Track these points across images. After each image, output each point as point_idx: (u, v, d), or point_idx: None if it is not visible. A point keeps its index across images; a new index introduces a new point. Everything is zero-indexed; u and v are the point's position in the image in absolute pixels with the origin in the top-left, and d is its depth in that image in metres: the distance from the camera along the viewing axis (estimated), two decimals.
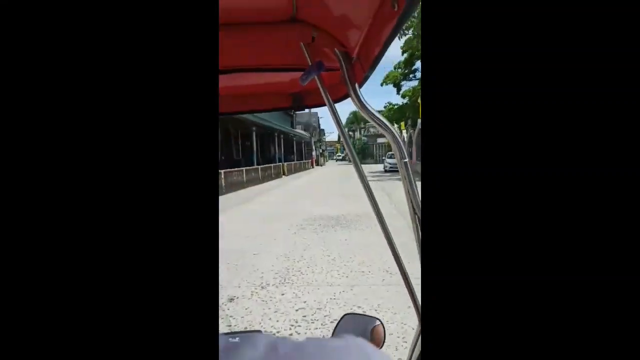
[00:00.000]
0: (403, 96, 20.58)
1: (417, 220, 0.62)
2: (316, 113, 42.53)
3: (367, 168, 26.43)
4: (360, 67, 0.65)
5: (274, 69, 0.76)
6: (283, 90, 0.94)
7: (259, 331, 0.26)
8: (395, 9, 0.43)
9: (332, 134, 64.44)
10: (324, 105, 0.73)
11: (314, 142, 36.75)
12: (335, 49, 0.65)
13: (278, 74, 0.80)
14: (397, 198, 8.01)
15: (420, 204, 0.61)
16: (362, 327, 0.72)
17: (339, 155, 58.96)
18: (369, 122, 0.69)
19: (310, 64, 0.66)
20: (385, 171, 21.08)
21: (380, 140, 37.73)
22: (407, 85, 20.74)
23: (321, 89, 0.68)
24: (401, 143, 0.63)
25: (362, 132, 44.51)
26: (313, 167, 31.44)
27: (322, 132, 50.26)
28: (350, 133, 54.00)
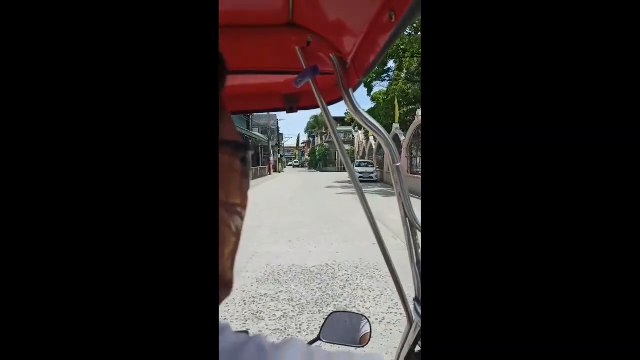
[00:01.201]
0: (373, 99, 18.39)
1: (409, 224, 0.68)
2: (275, 115, 39.30)
3: (331, 176, 23.77)
4: (354, 73, 0.67)
5: (269, 71, 0.79)
6: (276, 91, 0.95)
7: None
8: (392, 20, 0.44)
9: (290, 138, 61.57)
10: (316, 107, 0.81)
11: (272, 146, 33.60)
12: (331, 54, 0.67)
13: (272, 75, 0.82)
14: (395, 225, 5.24)
15: (411, 206, 0.69)
16: (349, 324, 0.86)
17: (296, 162, 56.81)
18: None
19: (304, 67, 0.68)
20: None
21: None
22: (378, 86, 18.65)
23: (315, 93, 0.73)
24: (393, 147, 0.71)
25: (324, 137, 41.96)
26: (271, 174, 28.33)
27: (280, 136, 47.04)
28: (310, 139, 51.59)
